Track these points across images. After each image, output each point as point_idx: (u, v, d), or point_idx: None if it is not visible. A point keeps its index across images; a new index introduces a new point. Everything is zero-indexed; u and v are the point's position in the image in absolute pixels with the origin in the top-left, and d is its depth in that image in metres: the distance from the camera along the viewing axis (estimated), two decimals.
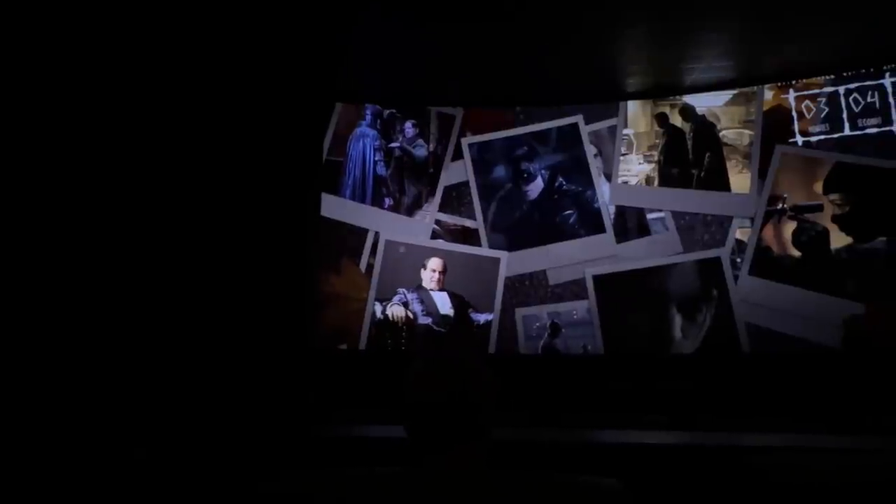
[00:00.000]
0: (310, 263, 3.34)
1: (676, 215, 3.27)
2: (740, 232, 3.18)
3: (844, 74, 3.10)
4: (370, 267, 3.44)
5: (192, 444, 2.10)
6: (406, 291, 3.41)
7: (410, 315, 3.38)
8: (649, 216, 3.32)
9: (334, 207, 3.47)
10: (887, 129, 3.01)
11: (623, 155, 3.41)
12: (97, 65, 2.56)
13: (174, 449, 2.02)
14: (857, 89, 3.08)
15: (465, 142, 3.53)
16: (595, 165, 3.42)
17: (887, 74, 3.02)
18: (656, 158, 3.37)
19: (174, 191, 2.90)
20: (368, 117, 3.57)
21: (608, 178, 3.41)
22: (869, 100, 3.05)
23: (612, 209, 3.37)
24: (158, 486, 1.82)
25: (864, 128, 3.05)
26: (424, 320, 3.36)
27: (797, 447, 2.02)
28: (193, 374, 2.68)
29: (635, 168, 3.39)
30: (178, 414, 2.41)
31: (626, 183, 3.39)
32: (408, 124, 3.57)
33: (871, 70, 3.05)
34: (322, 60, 3.03)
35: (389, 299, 3.39)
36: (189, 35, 2.63)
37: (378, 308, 3.39)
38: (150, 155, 2.81)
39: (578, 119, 3.46)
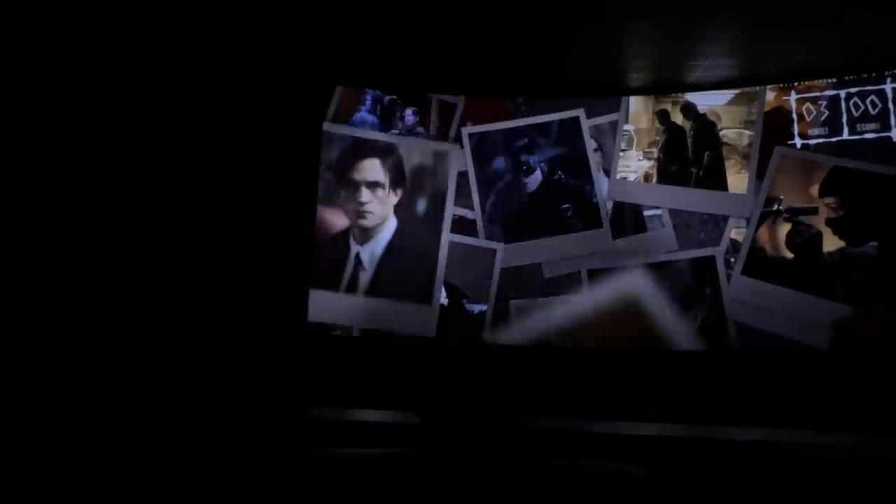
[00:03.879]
0: (305, 247, 3.32)
1: (673, 213, 3.28)
2: (736, 232, 3.20)
3: (846, 78, 3.11)
4: None
5: (185, 428, 2.10)
6: None
7: None
8: (646, 213, 3.33)
9: None
10: (885, 134, 3.03)
11: (623, 151, 3.41)
12: (92, 54, 2.50)
13: (167, 431, 2.02)
14: (857, 93, 3.09)
15: (465, 131, 3.51)
16: (594, 160, 3.42)
17: (889, 80, 3.04)
18: (656, 155, 3.38)
19: (169, 174, 2.86)
20: (368, 102, 3.54)
21: (607, 173, 3.41)
22: (869, 105, 3.06)
23: (610, 204, 3.38)
24: (150, 466, 1.83)
25: (862, 132, 3.07)
26: None
27: (800, 443, 2.06)
28: (187, 357, 2.68)
29: (634, 164, 3.40)
30: (171, 397, 2.41)
31: (624, 179, 3.40)
32: (408, 111, 3.54)
33: (873, 75, 3.06)
34: (324, 43, 3.00)
35: None
36: (184, 14, 2.59)
37: None
38: (143, 138, 2.78)
39: (580, 112, 3.45)
